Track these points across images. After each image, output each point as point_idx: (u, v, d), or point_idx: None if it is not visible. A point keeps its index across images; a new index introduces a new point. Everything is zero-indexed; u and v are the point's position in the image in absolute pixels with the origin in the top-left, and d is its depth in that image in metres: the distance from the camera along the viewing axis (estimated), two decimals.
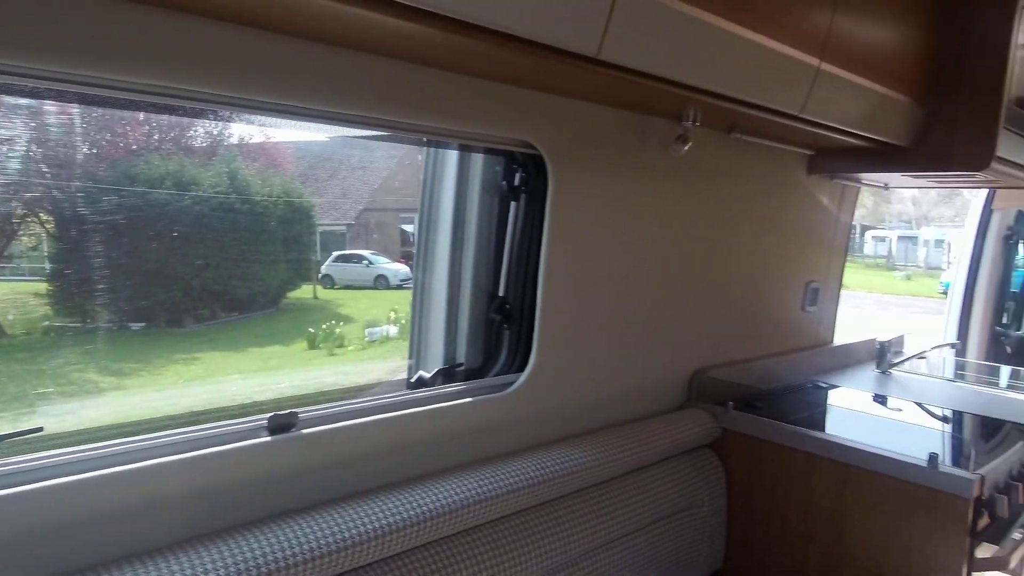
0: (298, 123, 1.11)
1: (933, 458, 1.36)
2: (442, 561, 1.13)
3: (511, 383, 1.44)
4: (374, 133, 1.26)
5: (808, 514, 1.55)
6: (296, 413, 1.09)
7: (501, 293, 1.56)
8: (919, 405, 1.90)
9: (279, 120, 1.08)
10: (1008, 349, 3.66)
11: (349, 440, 1.14)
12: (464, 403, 1.32)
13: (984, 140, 1.59)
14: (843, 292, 2.70)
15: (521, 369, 1.46)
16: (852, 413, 1.85)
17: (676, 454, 1.64)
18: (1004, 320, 3.76)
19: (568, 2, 0.92)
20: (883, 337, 2.30)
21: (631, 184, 1.56)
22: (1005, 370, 2.49)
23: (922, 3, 1.60)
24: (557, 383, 1.51)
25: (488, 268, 1.54)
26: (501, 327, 1.53)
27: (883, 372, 2.27)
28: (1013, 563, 1.37)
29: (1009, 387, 2.19)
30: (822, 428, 1.64)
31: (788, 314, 2.20)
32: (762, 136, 1.63)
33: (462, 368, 1.50)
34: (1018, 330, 3.80)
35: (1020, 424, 1.69)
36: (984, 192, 3.38)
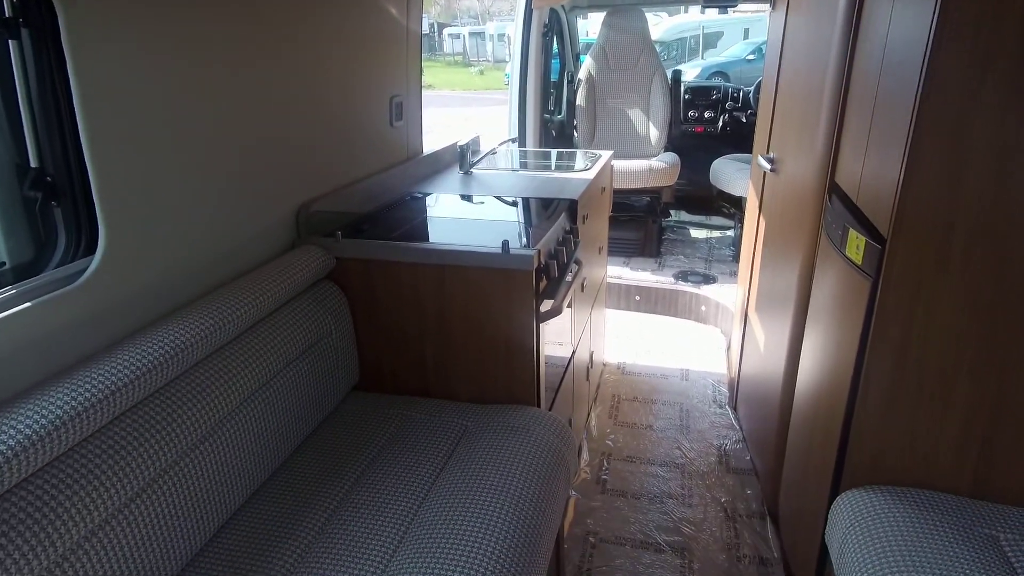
0: None
1: (505, 245, 1.65)
2: (65, 483, 1.00)
3: (84, 271, 1.22)
4: None
5: (420, 318, 1.77)
6: None
7: (34, 164, 1.24)
8: (497, 198, 2.23)
9: None
10: (553, 133, 4.47)
11: None
12: (18, 311, 1.09)
13: None
14: (428, 92, 2.89)
15: (92, 253, 1.24)
16: (443, 219, 2.08)
17: (298, 293, 1.67)
18: (549, 107, 4.52)
19: None
20: (462, 141, 2.56)
21: (181, 14, 1.32)
22: (553, 153, 3.06)
23: None
24: (144, 258, 1.33)
25: (3, 133, 1.19)
26: (47, 207, 1.24)
27: (466, 173, 2.58)
28: (565, 307, 1.81)
29: (556, 168, 2.70)
30: (422, 238, 1.83)
31: (378, 132, 2.28)
32: None
33: (5, 267, 1.21)
34: (558, 115, 4.63)
35: (563, 199, 2.14)
36: None
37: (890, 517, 1.34)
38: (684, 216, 5.19)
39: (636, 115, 4.42)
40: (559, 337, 2.07)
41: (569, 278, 1.96)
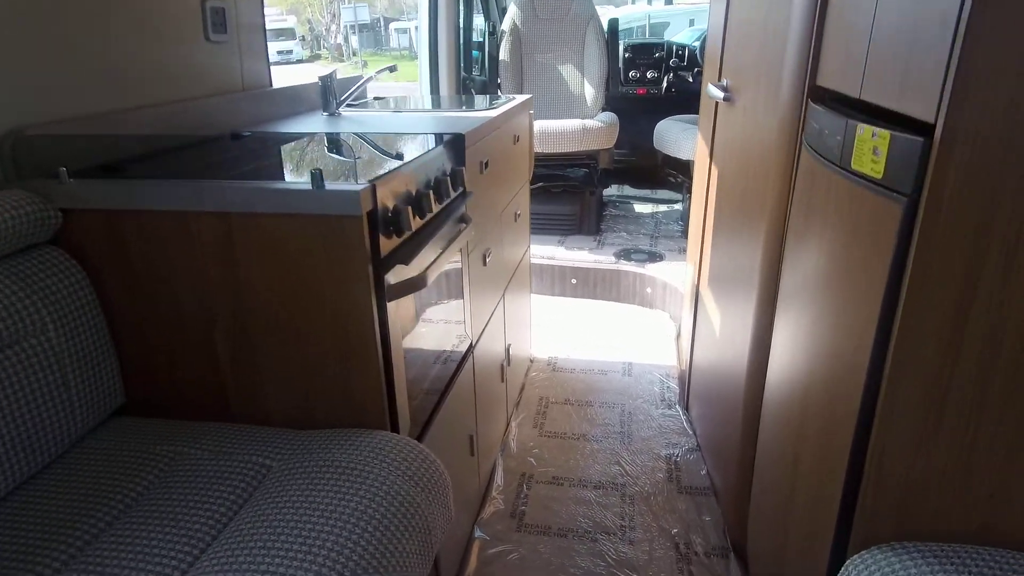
0: None
1: (318, 177, 1.03)
2: None
3: None
4: None
5: (205, 300, 1.14)
6: None
7: None
8: (358, 136, 1.61)
9: None
10: (473, 92, 3.86)
11: None
12: None
13: None
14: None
15: None
16: (262, 159, 1.45)
17: None
18: (465, 71, 3.91)
19: None
20: (323, 72, 1.93)
21: None
22: (453, 98, 2.45)
23: None
24: None
25: None
26: None
27: (331, 114, 1.95)
28: (432, 279, 1.21)
29: (451, 109, 2.08)
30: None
31: (182, 48, 1.62)
32: None
33: None
34: (480, 75, 4.03)
35: (444, 134, 1.53)
36: None
37: None
38: (628, 190, 4.66)
39: (569, 72, 3.85)
40: (442, 325, 1.47)
41: (444, 238, 1.36)
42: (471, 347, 1.71)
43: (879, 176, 0.84)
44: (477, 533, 1.79)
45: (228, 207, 1.07)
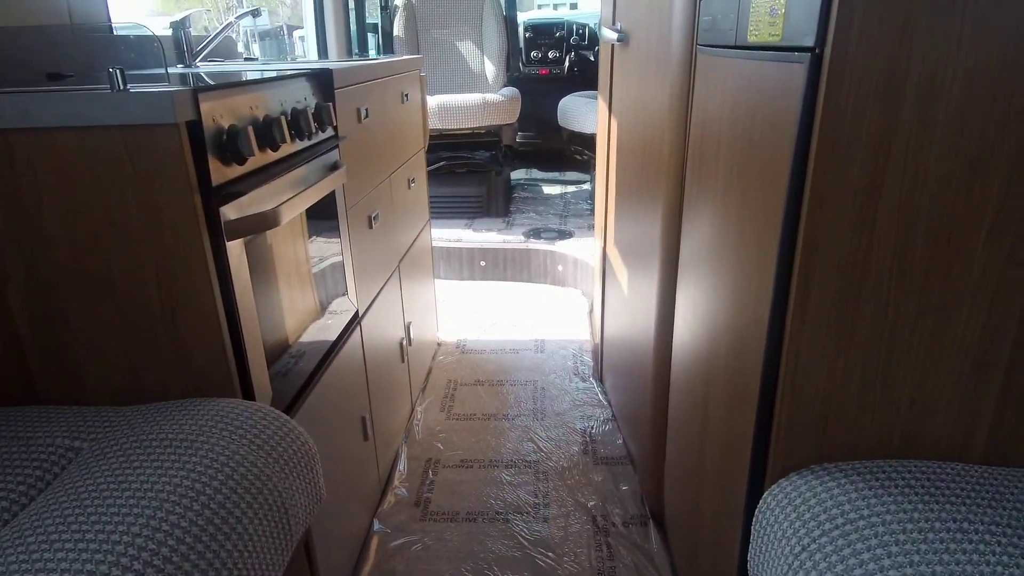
0: None
1: (116, 76, 0.83)
2: None
3: None
4: None
5: None
6: None
7: None
8: (210, 75, 1.39)
9: None
10: None
11: None
12: None
13: None
14: None
15: None
16: None
17: None
18: (359, 48, 3.70)
19: None
20: (174, 17, 1.69)
21: None
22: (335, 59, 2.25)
23: None
24: None
25: None
26: None
27: (187, 66, 1.71)
28: (286, 218, 1.02)
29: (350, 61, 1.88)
30: None
31: None
32: None
33: None
34: (375, 53, 3.82)
35: (319, 68, 1.34)
36: None
37: (862, 505, 0.69)
38: (536, 174, 4.57)
39: (468, 48, 3.71)
40: (320, 288, 1.27)
41: (307, 182, 1.18)
42: (357, 317, 1.52)
43: (778, 38, 0.73)
44: (376, 526, 1.60)
45: (4, 123, 0.85)
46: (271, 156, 1.08)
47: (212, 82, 1.04)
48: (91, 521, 0.69)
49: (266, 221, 0.98)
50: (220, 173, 0.92)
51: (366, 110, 1.59)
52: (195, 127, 0.86)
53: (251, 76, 1.18)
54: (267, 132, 1.04)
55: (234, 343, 0.97)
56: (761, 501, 0.79)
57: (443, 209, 3.57)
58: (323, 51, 3.22)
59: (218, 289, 0.93)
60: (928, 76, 0.64)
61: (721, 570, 1.05)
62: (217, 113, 0.92)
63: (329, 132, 1.34)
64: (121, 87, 0.83)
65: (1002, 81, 0.64)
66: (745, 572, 0.94)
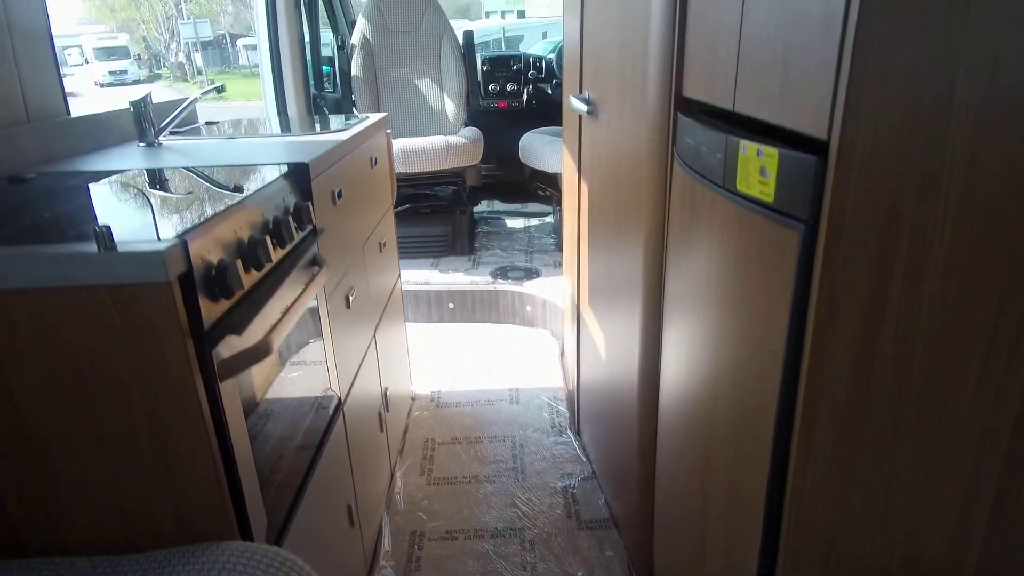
0: None
1: (104, 235, 0.80)
2: None
3: None
4: None
5: None
6: None
7: None
8: (187, 170, 1.35)
9: None
10: (326, 111, 3.61)
11: None
12: None
13: None
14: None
15: None
16: (46, 210, 1.17)
17: None
18: (316, 88, 3.65)
19: None
20: (133, 97, 1.64)
21: None
22: (299, 121, 2.22)
23: None
24: None
25: None
26: None
27: (149, 145, 1.66)
28: (276, 344, 1.01)
29: (319, 132, 1.84)
30: None
31: None
32: None
33: None
34: (332, 92, 3.78)
35: (284, 164, 1.32)
36: None
37: None
38: (498, 206, 4.58)
39: (426, 86, 3.70)
40: (301, 385, 1.25)
41: (292, 288, 1.16)
42: (340, 404, 1.50)
43: (770, 200, 0.76)
44: None
45: None
46: (255, 276, 1.06)
47: (186, 165, 1.02)
48: None
49: (257, 353, 0.96)
50: (210, 311, 0.90)
51: (340, 191, 1.57)
52: (186, 276, 0.84)
53: (234, 186, 1.15)
54: (252, 255, 1.02)
55: (230, 482, 0.94)
56: None
57: (409, 249, 3.54)
58: (282, 100, 3.16)
59: (213, 431, 0.90)
60: (916, 251, 0.68)
61: None
62: (205, 250, 0.90)
63: (308, 228, 1.32)
64: (109, 245, 0.80)
65: (984, 245, 0.68)
66: None
